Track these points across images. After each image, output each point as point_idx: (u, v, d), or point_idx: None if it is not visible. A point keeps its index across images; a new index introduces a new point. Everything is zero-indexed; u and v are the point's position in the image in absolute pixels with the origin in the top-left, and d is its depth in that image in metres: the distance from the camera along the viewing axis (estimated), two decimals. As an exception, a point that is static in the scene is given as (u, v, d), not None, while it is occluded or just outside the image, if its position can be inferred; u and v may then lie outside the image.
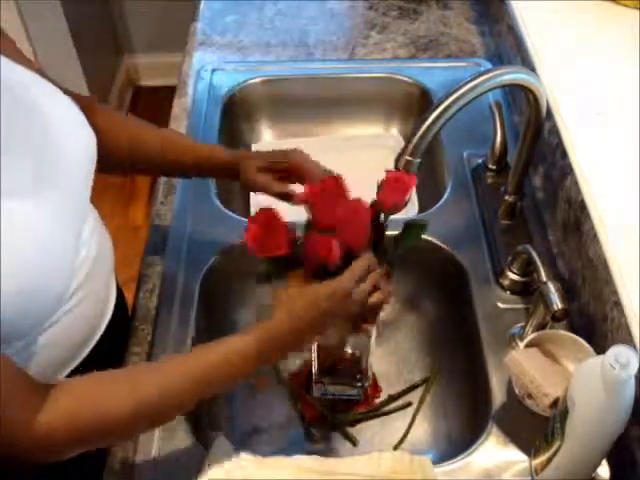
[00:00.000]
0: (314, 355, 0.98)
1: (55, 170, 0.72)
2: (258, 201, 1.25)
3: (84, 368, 0.82)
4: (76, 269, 0.77)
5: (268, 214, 0.80)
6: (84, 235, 0.80)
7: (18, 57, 0.77)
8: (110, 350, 0.90)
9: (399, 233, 0.85)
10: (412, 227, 0.85)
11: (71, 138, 0.76)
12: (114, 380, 0.71)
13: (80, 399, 0.68)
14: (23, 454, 0.67)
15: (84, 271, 0.80)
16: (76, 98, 0.84)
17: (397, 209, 0.81)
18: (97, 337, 0.86)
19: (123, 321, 0.97)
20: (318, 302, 0.75)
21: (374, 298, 0.79)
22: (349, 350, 0.96)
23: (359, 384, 0.99)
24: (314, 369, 0.98)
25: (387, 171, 0.81)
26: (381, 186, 0.80)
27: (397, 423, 1.00)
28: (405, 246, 0.84)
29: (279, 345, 0.76)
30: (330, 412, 0.99)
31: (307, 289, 0.77)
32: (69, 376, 0.81)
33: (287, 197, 0.91)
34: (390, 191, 0.80)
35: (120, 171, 1.14)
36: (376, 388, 1.03)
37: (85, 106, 0.83)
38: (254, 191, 0.96)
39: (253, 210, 1.23)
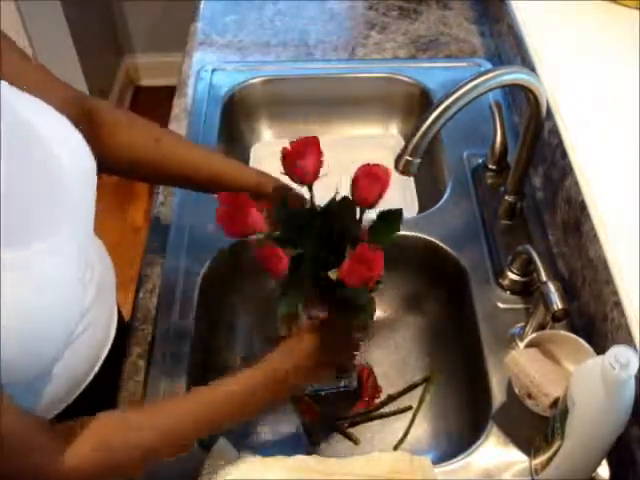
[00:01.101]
0: None
1: (58, 214, 0.68)
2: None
3: (83, 397, 0.81)
4: (83, 309, 0.76)
5: (235, 196, 0.78)
6: (87, 274, 0.77)
7: (16, 57, 0.76)
8: (109, 376, 0.89)
9: (372, 226, 0.80)
10: (386, 218, 0.80)
11: (74, 174, 0.71)
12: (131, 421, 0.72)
13: (104, 435, 0.68)
14: None
15: (88, 304, 0.78)
16: (94, 107, 0.85)
17: (374, 204, 0.80)
18: (99, 365, 0.84)
19: (121, 345, 0.94)
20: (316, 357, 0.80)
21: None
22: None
23: (345, 374, 1.00)
24: None
25: (361, 166, 0.80)
26: (356, 181, 0.79)
27: (397, 423, 1.00)
28: (383, 241, 0.77)
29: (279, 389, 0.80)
30: (329, 413, 0.99)
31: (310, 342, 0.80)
32: (68, 408, 0.80)
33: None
34: (367, 186, 0.79)
35: (137, 179, 1.10)
36: (376, 388, 1.03)
37: (103, 118, 0.84)
38: None
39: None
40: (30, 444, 0.64)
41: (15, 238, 0.61)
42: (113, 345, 0.87)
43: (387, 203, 1.26)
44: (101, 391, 0.86)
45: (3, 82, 0.68)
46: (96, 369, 0.84)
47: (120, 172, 0.93)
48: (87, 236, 0.76)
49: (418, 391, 1.03)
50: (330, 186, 1.31)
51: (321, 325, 0.80)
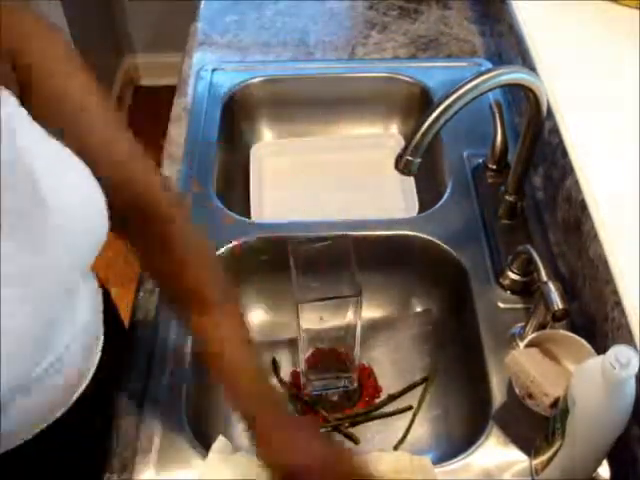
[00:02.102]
0: (301, 355, 0.98)
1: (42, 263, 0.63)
2: (258, 200, 1.25)
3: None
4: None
5: None
6: (66, 326, 0.72)
7: (93, 99, 0.68)
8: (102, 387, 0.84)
9: None
10: None
11: (69, 217, 0.65)
12: None
13: None
14: None
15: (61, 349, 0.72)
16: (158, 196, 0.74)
17: None
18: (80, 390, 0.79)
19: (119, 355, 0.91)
20: None
21: None
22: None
23: (345, 374, 1.00)
24: (301, 369, 0.99)
25: None
26: None
27: (397, 423, 1.00)
28: None
29: None
30: (329, 413, 0.99)
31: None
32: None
33: None
34: None
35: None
36: (376, 388, 1.03)
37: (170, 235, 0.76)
38: None
39: (253, 210, 1.23)
40: None
41: None
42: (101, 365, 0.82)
43: (387, 203, 1.27)
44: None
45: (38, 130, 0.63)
46: (80, 390, 0.79)
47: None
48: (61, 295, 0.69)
49: (418, 391, 1.03)
50: (331, 186, 1.30)
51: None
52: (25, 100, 0.63)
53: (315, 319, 0.93)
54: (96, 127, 0.68)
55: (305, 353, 0.99)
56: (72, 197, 0.65)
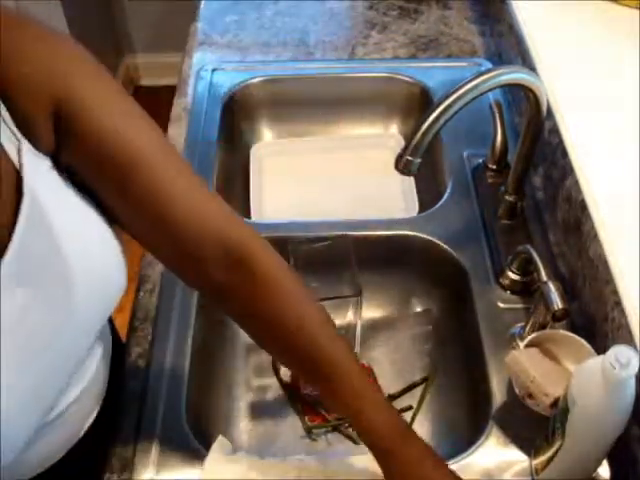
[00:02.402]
0: None
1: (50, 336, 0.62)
2: (258, 200, 1.25)
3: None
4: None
5: None
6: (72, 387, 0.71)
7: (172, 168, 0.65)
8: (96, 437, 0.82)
9: None
10: None
11: (91, 288, 0.63)
12: None
13: None
14: None
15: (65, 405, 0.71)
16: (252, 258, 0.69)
17: None
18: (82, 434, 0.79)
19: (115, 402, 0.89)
20: None
21: None
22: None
23: None
24: None
25: None
26: None
27: (397, 423, 1.00)
28: None
29: None
30: (329, 413, 0.99)
31: None
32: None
33: None
34: None
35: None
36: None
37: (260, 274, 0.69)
38: None
39: (253, 210, 1.23)
40: None
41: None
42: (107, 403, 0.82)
43: (387, 203, 1.27)
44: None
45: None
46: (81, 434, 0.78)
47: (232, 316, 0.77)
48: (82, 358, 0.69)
49: (418, 391, 1.03)
50: (331, 186, 1.30)
51: None
52: (64, 150, 0.60)
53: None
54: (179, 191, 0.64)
55: None
56: (93, 254, 0.63)
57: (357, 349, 0.97)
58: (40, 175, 0.59)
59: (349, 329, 0.94)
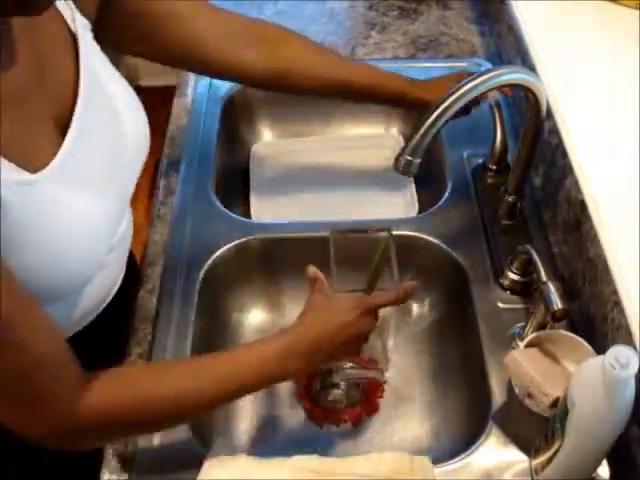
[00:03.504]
0: None
1: (116, 173, 0.78)
2: (258, 200, 1.25)
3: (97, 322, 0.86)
4: (113, 244, 0.82)
5: None
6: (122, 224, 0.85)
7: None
8: (119, 310, 0.93)
9: None
10: None
11: (134, 143, 0.81)
12: (157, 369, 0.76)
13: (124, 384, 0.70)
14: (54, 437, 0.67)
15: (115, 243, 0.83)
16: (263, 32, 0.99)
17: None
18: (114, 292, 0.89)
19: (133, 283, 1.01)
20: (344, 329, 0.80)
21: None
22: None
23: (379, 366, 1.01)
24: None
25: None
26: None
27: (397, 423, 1.00)
28: None
29: (299, 357, 0.78)
30: (333, 409, 0.99)
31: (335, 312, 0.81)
32: (84, 330, 0.84)
33: None
34: None
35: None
36: (378, 387, 1.03)
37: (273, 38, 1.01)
38: None
39: (253, 210, 1.23)
40: (63, 370, 0.65)
41: (77, 184, 0.70)
42: (126, 280, 0.93)
43: (387, 202, 1.27)
44: (116, 314, 0.91)
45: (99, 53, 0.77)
46: (113, 292, 0.89)
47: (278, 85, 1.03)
48: (128, 197, 0.86)
49: (418, 390, 1.03)
50: (330, 186, 1.30)
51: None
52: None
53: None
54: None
55: None
56: (137, 125, 0.81)
57: (390, 343, 0.97)
58: (88, 44, 0.74)
59: (384, 322, 0.95)
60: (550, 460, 0.77)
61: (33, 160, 0.64)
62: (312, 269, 0.86)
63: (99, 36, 0.78)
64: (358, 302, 0.82)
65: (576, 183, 0.93)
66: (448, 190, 1.14)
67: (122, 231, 0.85)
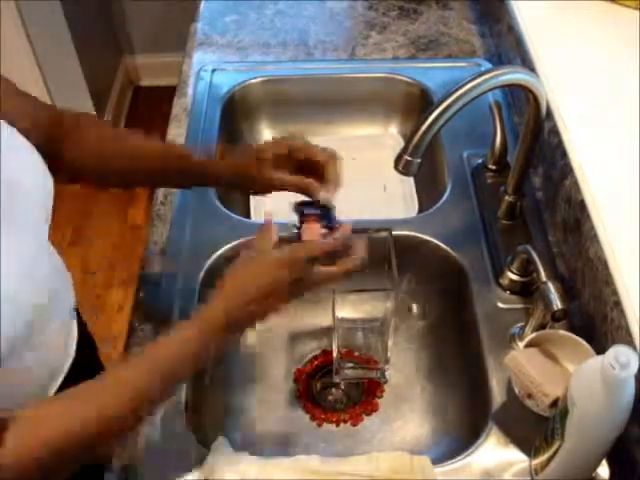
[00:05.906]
0: (334, 342, 0.98)
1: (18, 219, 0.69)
2: (258, 201, 1.25)
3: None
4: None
5: None
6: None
7: None
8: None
9: None
10: None
11: (36, 197, 0.74)
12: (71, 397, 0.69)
13: (41, 422, 0.65)
14: None
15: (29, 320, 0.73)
16: (58, 117, 0.85)
17: None
18: (59, 381, 0.83)
19: (90, 358, 0.94)
20: (269, 271, 0.76)
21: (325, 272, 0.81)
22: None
23: (379, 366, 1.01)
24: (334, 355, 1.00)
25: None
26: None
27: (397, 423, 1.00)
28: None
29: (226, 327, 0.75)
30: (333, 409, 0.99)
31: (256, 259, 0.78)
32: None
33: (308, 189, 0.89)
34: None
35: (111, 185, 1.07)
36: (378, 387, 1.03)
37: (69, 126, 0.85)
38: (272, 191, 0.93)
39: (253, 210, 1.23)
40: None
41: None
42: (79, 358, 0.86)
43: (387, 203, 1.27)
44: None
45: None
46: (59, 381, 0.82)
47: (88, 176, 0.92)
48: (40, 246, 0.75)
49: (418, 390, 1.03)
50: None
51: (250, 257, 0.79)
52: None
53: (350, 309, 0.96)
54: None
55: (340, 341, 0.99)
56: (26, 169, 0.73)
57: (390, 342, 0.98)
58: None
59: (384, 322, 0.96)
60: (550, 460, 0.77)
61: None
62: (268, 214, 0.84)
63: None
64: (279, 254, 0.78)
65: (576, 183, 0.93)
66: (448, 190, 1.14)
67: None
